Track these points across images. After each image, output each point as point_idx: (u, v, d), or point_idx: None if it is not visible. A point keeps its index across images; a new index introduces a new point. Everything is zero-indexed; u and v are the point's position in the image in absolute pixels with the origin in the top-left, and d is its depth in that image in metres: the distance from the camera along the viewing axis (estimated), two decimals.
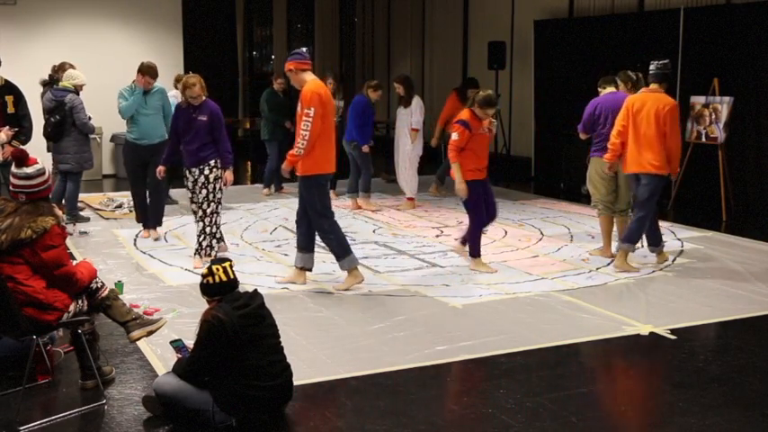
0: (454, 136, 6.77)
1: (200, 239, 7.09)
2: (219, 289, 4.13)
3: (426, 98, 16.26)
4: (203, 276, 4.16)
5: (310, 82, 6.27)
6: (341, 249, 6.44)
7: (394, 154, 10.39)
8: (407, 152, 10.11)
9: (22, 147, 7.47)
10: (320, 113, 6.16)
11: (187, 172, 7.03)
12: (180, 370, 4.13)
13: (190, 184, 7.03)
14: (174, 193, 10.00)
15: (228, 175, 7.08)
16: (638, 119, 6.90)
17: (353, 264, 6.48)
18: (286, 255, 7.48)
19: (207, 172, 6.98)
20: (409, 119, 10.04)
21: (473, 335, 5.42)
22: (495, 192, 11.27)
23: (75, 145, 8.65)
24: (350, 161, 10.11)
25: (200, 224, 7.06)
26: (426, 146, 10.71)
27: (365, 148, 9.95)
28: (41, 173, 4.33)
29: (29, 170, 4.29)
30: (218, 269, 4.13)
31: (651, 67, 7.09)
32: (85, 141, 8.77)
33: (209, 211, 7.04)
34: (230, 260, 4.26)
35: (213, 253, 7.07)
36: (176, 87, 9.44)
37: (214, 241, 7.11)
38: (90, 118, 8.69)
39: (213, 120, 7.01)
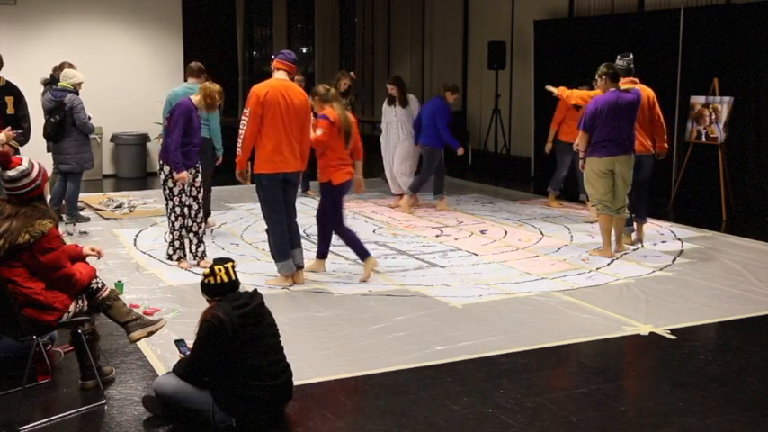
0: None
1: (204, 240, 7.10)
2: (220, 289, 4.13)
3: (426, 98, 16.28)
4: (205, 276, 4.16)
5: (261, 82, 6.33)
6: (276, 252, 6.47)
7: (383, 152, 10.30)
8: (405, 150, 10.05)
9: (19, 147, 7.54)
10: (257, 113, 6.18)
11: (185, 172, 6.88)
12: (180, 370, 4.13)
13: (187, 186, 6.89)
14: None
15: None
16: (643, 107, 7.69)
17: (287, 271, 6.50)
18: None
19: (201, 170, 7.07)
20: (410, 118, 10.00)
21: (473, 335, 5.42)
22: (496, 192, 11.36)
23: (76, 145, 8.65)
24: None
25: (201, 226, 7.06)
26: None
27: (460, 151, 9.82)
28: (26, 174, 4.27)
29: (11, 173, 4.26)
30: (219, 269, 4.13)
31: (623, 62, 7.72)
32: (86, 141, 8.77)
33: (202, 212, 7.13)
34: (233, 261, 4.26)
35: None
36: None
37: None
38: (90, 118, 8.69)
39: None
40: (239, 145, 6.29)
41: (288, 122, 6.29)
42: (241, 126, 6.27)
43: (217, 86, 6.93)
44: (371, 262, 6.78)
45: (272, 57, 6.56)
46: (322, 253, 6.94)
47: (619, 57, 7.81)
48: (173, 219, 6.97)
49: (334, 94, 6.74)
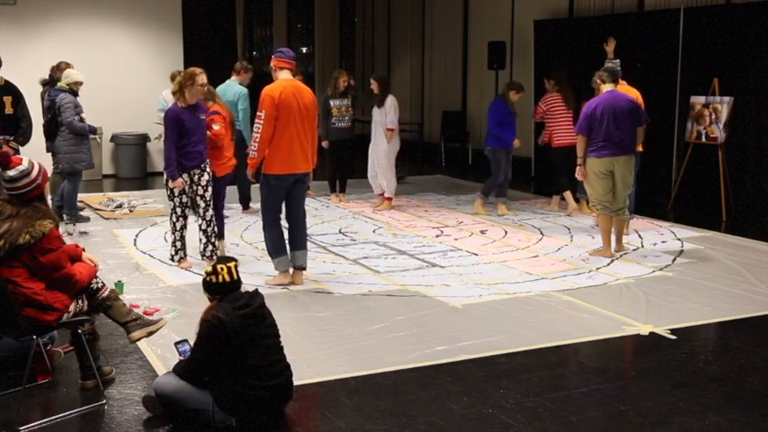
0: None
1: (212, 239, 6.99)
2: (221, 288, 4.13)
3: (426, 98, 16.30)
4: (207, 274, 4.15)
5: (272, 84, 6.33)
6: (272, 249, 6.53)
7: (369, 153, 10.13)
8: (383, 152, 9.89)
9: (19, 147, 7.55)
10: (272, 116, 6.18)
11: (185, 174, 6.77)
12: (180, 370, 4.13)
13: (192, 186, 6.82)
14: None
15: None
16: None
17: (283, 266, 6.53)
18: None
19: (208, 169, 6.94)
20: (384, 119, 9.79)
21: (473, 335, 5.42)
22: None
23: (66, 145, 8.66)
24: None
25: (210, 225, 6.97)
26: (403, 144, 10.52)
27: (517, 143, 9.78)
28: (26, 173, 4.27)
29: (12, 173, 4.26)
30: (222, 269, 4.12)
31: (614, 65, 8.19)
32: (79, 141, 8.72)
33: (211, 210, 7.03)
34: (236, 260, 4.25)
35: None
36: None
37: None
38: (83, 119, 8.67)
39: (206, 117, 6.98)
40: (254, 147, 6.26)
41: (300, 123, 6.30)
42: (255, 129, 6.26)
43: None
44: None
45: (272, 55, 6.55)
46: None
47: (607, 60, 8.27)
48: (174, 219, 6.96)
49: (213, 90, 7.26)
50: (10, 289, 4.08)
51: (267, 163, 6.30)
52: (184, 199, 6.88)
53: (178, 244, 7.06)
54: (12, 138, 7.60)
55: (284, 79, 6.33)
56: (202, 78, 6.75)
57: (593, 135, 7.30)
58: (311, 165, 6.51)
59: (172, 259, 7.13)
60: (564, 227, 8.90)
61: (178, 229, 6.99)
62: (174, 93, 6.85)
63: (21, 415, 4.14)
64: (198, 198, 6.92)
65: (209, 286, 4.15)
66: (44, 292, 4.21)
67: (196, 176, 6.86)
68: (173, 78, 9.05)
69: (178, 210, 6.90)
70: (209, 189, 6.97)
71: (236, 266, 4.18)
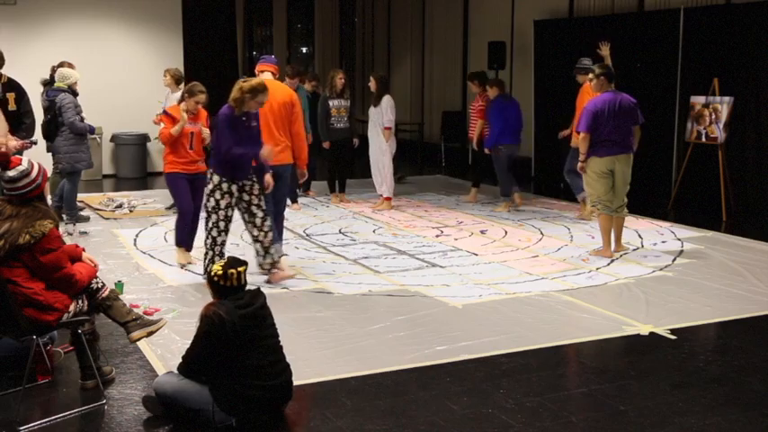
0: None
1: (270, 251, 6.48)
2: (228, 292, 4.11)
3: (426, 98, 16.30)
4: (216, 275, 4.12)
5: None
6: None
7: (370, 154, 10.08)
8: (381, 151, 9.85)
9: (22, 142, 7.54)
10: None
11: (233, 186, 6.21)
12: (179, 367, 4.13)
13: (247, 195, 6.27)
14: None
15: (270, 178, 6.52)
16: None
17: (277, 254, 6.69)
18: (286, 255, 7.46)
19: (254, 178, 6.39)
20: (380, 118, 9.72)
21: (473, 335, 5.42)
22: (496, 192, 11.36)
23: (66, 144, 8.66)
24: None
25: (267, 235, 6.44)
26: (403, 144, 10.50)
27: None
28: (26, 174, 4.26)
29: (11, 173, 4.25)
30: (232, 274, 4.10)
31: (587, 64, 8.75)
32: (79, 141, 8.72)
33: (269, 220, 6.50)
34: (246, 264, 4.24)
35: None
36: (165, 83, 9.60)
37: None
38: (83, 119, 8.68)
39: (259, 126, 6.45)
40: None
41: (272, 120, 6.72)
42: None
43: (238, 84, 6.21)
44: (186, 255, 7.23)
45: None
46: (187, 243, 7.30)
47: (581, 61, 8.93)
48: (214, 234, 6.29)
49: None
50: (10, 289, 4.08)
51: None
52: (230, 212, 6.26)
53: (216, 259, 6.17)
54: (30, 140, 7.48)
55: (269, 81, 6.67)
56: (262, 97, 6.16)
57: (596, 134, 7.29)
58: (289, 157, 6.83)
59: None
60: (564, 227, 8.90)
61: (218, 243, 6.33)
62: (234, 99, 6.12)
63: (21, 415, 4.14)
64: (255, 207, 6.34)
65: (216, 287, 4.13)
66: (44, 292, 4.21)
67: (247, 187, 6.30)
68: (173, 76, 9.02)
69: (221, 224, 6.27)
70: (262, 198, 6.38)
71: (245, 270, 4.18)
